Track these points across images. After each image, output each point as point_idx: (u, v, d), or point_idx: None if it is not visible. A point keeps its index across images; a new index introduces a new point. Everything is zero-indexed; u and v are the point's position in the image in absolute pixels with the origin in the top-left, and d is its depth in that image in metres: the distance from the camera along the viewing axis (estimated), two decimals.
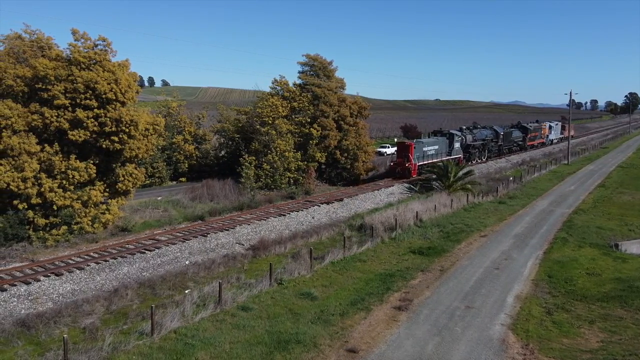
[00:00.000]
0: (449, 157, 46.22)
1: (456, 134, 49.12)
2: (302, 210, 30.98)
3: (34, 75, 23.23)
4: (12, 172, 21.59)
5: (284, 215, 29.59)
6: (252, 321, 15.46)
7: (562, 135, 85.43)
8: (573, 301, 17.48)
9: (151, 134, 26.60)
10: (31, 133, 22.82)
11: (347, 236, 25.06)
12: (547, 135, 78.31)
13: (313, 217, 30.00)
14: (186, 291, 18.21)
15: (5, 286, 17.78)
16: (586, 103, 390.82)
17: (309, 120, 41.47)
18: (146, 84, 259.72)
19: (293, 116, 41.50)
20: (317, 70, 44.31)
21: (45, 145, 23.14)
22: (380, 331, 14.87)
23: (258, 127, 38.91)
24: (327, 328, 15.01)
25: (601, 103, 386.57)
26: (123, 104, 24.80)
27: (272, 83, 43.14)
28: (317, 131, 40.50)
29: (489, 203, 35.46)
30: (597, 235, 26.61)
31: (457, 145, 48.81)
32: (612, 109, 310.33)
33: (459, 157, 49.11)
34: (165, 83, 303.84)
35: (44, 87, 23.24)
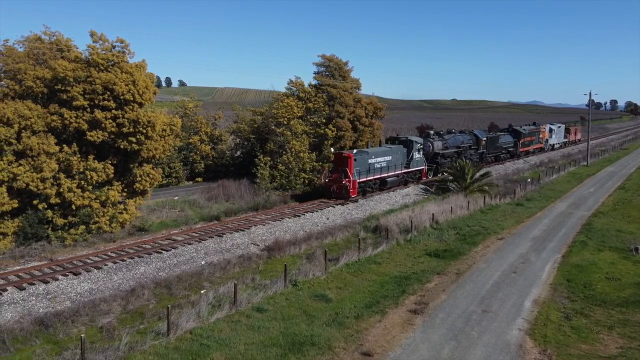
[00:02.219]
0: (407, 170, 38.82)
1: (416, 141, 39.97)
2: (316, 211, 30.96)
3: (54, 76, 23.56)
4: (32, 173, 21.93)
5: (299, 216, 29.59)
6: (266, 322, 15.48)
7: (566, 140, 78.06)
8: (592, 306, 17.18)
9: (168, 135, 26.82)
10: (50, 134, 23.15)
11: (362, 238, 25.00)
12: (547, 140, 69.43)
13: (328, 218, 29.96)
14: (202, 291, 18.31)
15: (24, 285, 18.08)
16: (605, 103, 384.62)
17: (324, 120, 41.43)
18: (163, 84, 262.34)
19: (308, 117, 41.49)
20: (332, 70, 44.24)
21: (64, 145, 23.47)
22: (396, 335, 14.77)
23: (273, 127, 39.01)
24: (342, 331, 14.96)
25: (621, 103, 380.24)
26: (140, 104, 25.05)
27: (288, 84, 43.21)
28: (332, 132, 40.44)
29: (507, 205, 35.04)
30: (617, 238, 26.11)
31: (418, 155, 39.92)
32: (632, 109, 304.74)
33: (422, 169, 40.97)
34: (182, 83, 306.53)
35: (63, 88, 23.57)
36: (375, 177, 35.56)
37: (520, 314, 16.46)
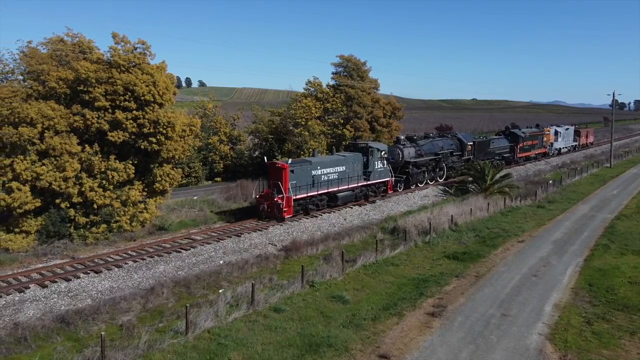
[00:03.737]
0: (366, 183, 32.72)
1: (378, 149, 33.46)
2: (334, 211, 30.93)
3: (76, 77, 23.97)
4: (54, 172, 22.35)
5: (316, 216, 29.60)
6: (284, 323, 15.52)
7: (576, 143, 70.66)
8: (614, 311, 16.83)
9: (188, 135, 27.07)
10: (72, 134, 23.56)
11: (380, 239, 24.89)
12: (552, 144, 62.29)
13: (345, 219, 29.91)
14: (220, 291, 18.45)
15: (46, 283, 18.44)
16: (629, 103, 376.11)
17: (341, 121, 41.45)
18: (183, 84, 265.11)
19: (326, 117, 41.56)
20: (350, 71, 44.23)
21: (86, 145, 23.86)
22: (413, 337, 14.67)
23: (291, 128, 39.17)
24: (359, 332, 14.92)
25: None
26: (161, 105, 25.33)
27: (306, 84, 43.35)
28: (350, 132, 40.42)
29: (527, 207, 34.53)
30: None
31: (380, 164, 33.63)
32: None
33: (386, 180, 34.52)
34: (202, 84, 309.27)
35: (85, 89, 23.96)
36: (322, 192, 29.48)
37: (541, 318, 16.21)
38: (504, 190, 36.37)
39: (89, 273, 19.62)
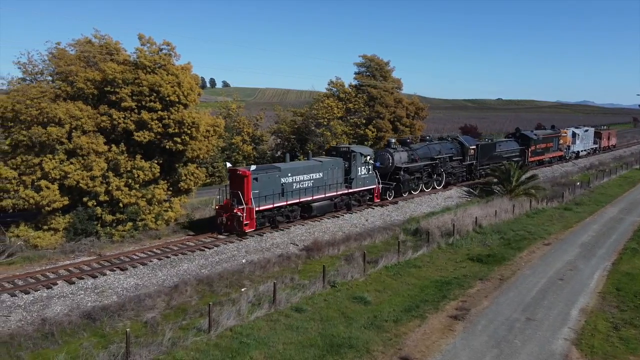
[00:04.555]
0: (348, 191, 29.91)
1: (361, 153, 30.55)
2: (355, 212, 30.85)
3: (103, 78, 24.45)
4: (82, 171, 22.84)
5: (338, 217, 29.57)
6: (305, 323, 15.54)
7: (596, 146, 66.31)
8: None
9: (212, 135, 27.38)
10: (99, 133, 24.05)
11: (402, 240, 24.71)
12: (569, 147, 58.21)
13: (367, 220, 29.79)
14: (242, 289, 18.59)
15: (73, 279, 18.89)
16: None
17: (364, 121, 41.33)
18: (208, 85, 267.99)
19: (348, 117, 41.48)
20: (373, 71, 44.09)
21: (113, 145, 24.33)
22: (435, 340, 14.52)
23: (313, 128, 39.20)
24: (381, 334, 14.84)
25: None
26: (185, 106, 25.66)
27: (328, 84, 43.38)
28: (372, 132, 40.26)
29: (554, 209, 33.85)
30: None
31: (364, 170, 30.71)
32: None
33: (372, 188, 31.78)
34: (225, 84, 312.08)
35: (112, 89, 24.42)
36: (292, 201, 26.60)
37: (567, 323, 15.88)
38: (530, 192, 35.71)
39: (114, 270, 20.01)
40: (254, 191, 24.58)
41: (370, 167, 31.26)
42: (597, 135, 67.46)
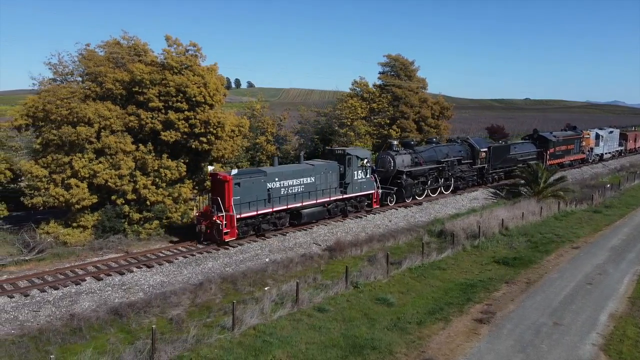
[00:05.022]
0: (343, 196, 28.31)
1: (358, 156, 28.71)
2: (378, 213, 30.70)
3: (131, 79, 24.90)
4: (110, 170, 23.31)
5: (361, 217, 29.47)
6: (327, 323, 15.53)
7: (622, 148, 62.98)
8: None
9: (237, 135, 27.64)
10: (127, 133, 24.52)
11: (426, 242, 24.48)
12: (591, 149, 55.58)
13: (390, 221, 29.62)
14: (265, 288, 18.70)
15: (101, 276, 19.30)
16: None
17: (388, 121, 41.08)
18: (233, 85, 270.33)
19: (372, 117, 41.30)
20: (397, 70, 43.79)
21: (140, 144, 24.76)
22: (460, 343, 14.34)
23: (336, 128, 39.11)
24: (404, 336, 14.73)
25: None
26: (211, 106, 25.95)
27: (352, 84, 43.26)
28: (397, 132, 39.98)
29: (583, 212, 33.06)
30: None
31: (361, 174, 29.01)
32: None
33: (370, 193, 30.07)
34: (250, 84, 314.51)
35: (140, 90, 24.86)
36: (280, 208, 24.96)
37: (595, 328, 15.48)
38: (558, 194, 34.95)
39: (141, 267, 20.38)
40: (235, 197, 22.97)
41: (368, 170, 29.59)
42: (623, 137, 64.20)
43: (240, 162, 38.80)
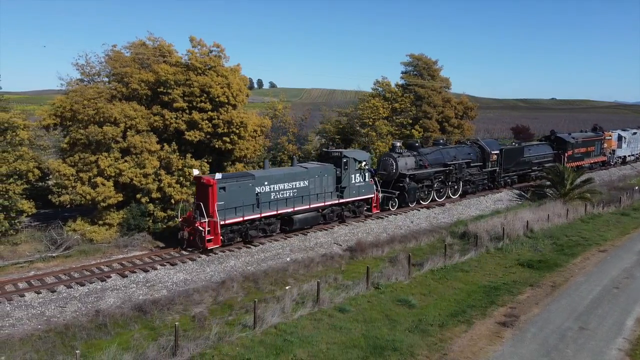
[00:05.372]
0: (340, 201, 26.91)
1: (355, 159, 27.27)
2: (400, 214, 30.51)
3: (156, 79, 25.30)
4: (135, 169, 23.72)
5: (382, 218, 29.34)
6: (348, 323, 15.51)
7: None
8: None
9: (259, 135, 27.85)
10: (152, 133, 24.91)
11: (449, 243, 24.24)
12: (613, 151, 52.85)
13: (412, 222, 29.41)
14: (286, 287, 18.77)
15: (126, 273, 19.64)
16: None
17: (410, 121, 40.79)
18: (255, 85, 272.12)
19: (394, 117, 41.06)
20: (420, 70, 43.45)
21: (165, 144, 25.14)
22: (482, 347, 14.15)
23: (358, 128, 38.99)
24: (425, 338, 14.61)
25: None
26: (234, 106, 26.18)
27: (374, 84, 43.06)
28: (419, 133, 39.68)
29: (610, 214, 32.28)
30: None
31: (359, 178, 27.50)
32: None
33: (369, 197, 28.58)
34: (272, 85, 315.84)
35: (164, 90, 25.24)
36: (269, 213, 23.68)
37: (621, 333, 15.12)
38: (585, 196, 34.21)
39: (165, 265, 20.67)
40: (219, 202, 21.84)
41: (367, 174, 28.03)
42: None
43: (261, 162, 39.08)
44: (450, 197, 34.84)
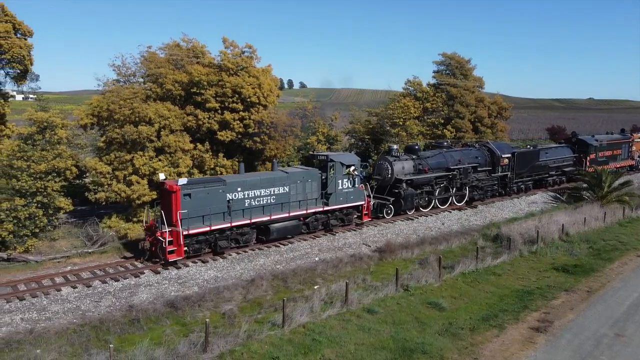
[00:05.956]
0: (325, 208, 24.98)
1: (342, 163, 25.15)
2: (430, 215, 30.16)
3: (190, 80, 25.75)
4: (169, 167, 24.20)
5: (412, 219, 29.06)
6: (377, 325, 15.43)
7: None
8: None
9: (289, 135, 28.01)
10: (185, 132, 25.37)
11: (481, 246, 23.80)
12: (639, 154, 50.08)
13: (443, 223, 29.03)
14: (315, 287, 18.79)
15: (159, 269, 20.06)
16: None
17: (442, 121, 40.33)
18: (285, 86, 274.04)
19: (425, 117, 40.67)
20: (453, 69, 42.94)
21: (197, 144, 25.56)
22: (514, 352, 13.86)
23: (388, 128, 38.74)
24: (456, 342, 14.40)
25: None
26: (265, 107, 26.43)
27: (405, 83, 42.77)
28: (451, 133, 39.18)
29: None
30: None
31: (344, 183, 25.31)
32: None
33: (359, 204, 26.52)
34: (302, 85, 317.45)
35: (197, 91, 25.67)
36: (241, 222, 21.96)
37: None
38: (623, 199, 33.08)
39: (196, 262, 21.03)
40: (183, 210, 20.14)
41: (356, 179, 25.88)
42: None
43: (291, 162, 39.28)
44: (454, 203, 32.82)
